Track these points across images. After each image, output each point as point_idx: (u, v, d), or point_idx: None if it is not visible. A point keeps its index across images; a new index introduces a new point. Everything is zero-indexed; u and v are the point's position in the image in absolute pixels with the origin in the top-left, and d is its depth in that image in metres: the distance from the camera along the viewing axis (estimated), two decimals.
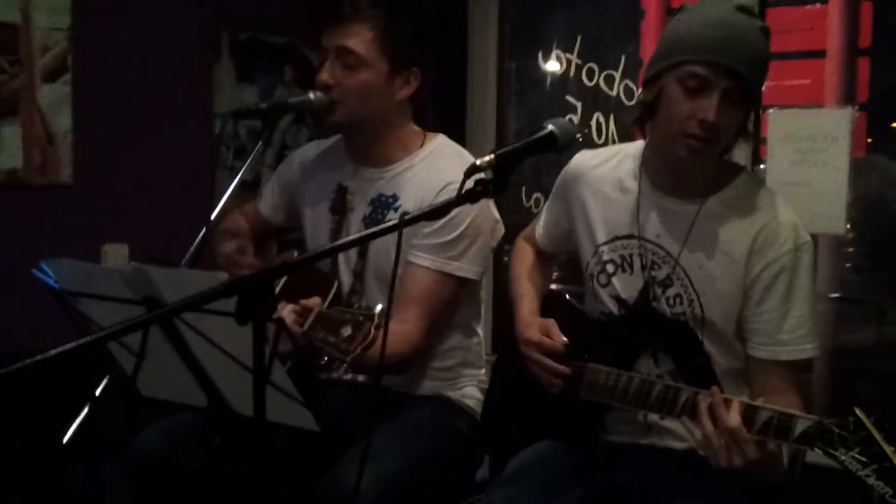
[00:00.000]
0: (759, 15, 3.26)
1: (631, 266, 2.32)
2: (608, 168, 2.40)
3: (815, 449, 1.90)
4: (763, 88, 2.15)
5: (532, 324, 2.38)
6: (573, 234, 2.46)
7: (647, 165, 2.32)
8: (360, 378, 2.70)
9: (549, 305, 2.52)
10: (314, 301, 2.14)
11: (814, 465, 2.21)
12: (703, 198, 2.23)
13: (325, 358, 2.04)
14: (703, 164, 2.19)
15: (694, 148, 2.12)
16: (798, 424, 1.90)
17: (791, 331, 2.17)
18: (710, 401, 2.00)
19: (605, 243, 2.36)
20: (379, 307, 1.98)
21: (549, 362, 2.30)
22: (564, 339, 2.30)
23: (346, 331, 1.98)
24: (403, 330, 2.52)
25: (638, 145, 2.36)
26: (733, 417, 1.94)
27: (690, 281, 2.23)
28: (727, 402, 1.99)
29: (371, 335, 1.95)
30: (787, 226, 2.18)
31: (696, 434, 2.02)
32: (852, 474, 1.82)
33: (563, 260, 2.71)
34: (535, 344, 2.33)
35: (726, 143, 2.19)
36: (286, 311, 2.17)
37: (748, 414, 1.95)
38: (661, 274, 2.27)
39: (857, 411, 1.83)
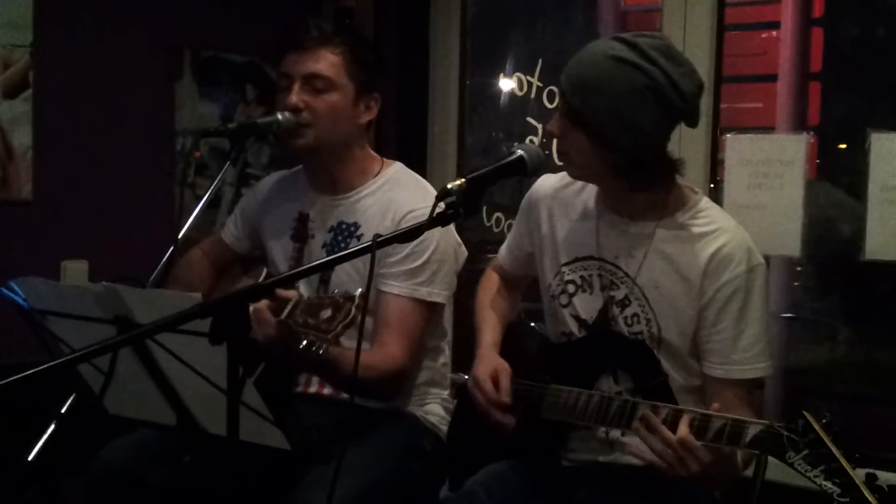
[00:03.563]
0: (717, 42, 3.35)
1: (591, 286, 2.36)
2: (572, 191, 2.44)
3: (767, 454, 1.96)
4: (598, 112, 2.14)
5: (486, 361, 2.42)
6: (536, 255, 2.51)
7: (601, 191, 2.37)
8: (327, 391, 2.72)
9: (513, 332, 2.57)
10: (291, 292, 2.16)
11: (775, 484, 2.25)
12: (659, 220, 2.28)
13: (305, 341, 2.05)
14: (646, 190, 2.25)
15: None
16: (749, 430, 1.95)
17: (744, 350, 2.22)
18: (660, 418, 2.05)
19: (566, 264, 2.40)
20: (359, 290, 2.00)
21: (490, 410, 2.34)
22: (509, 392, 2.33)
23: (326, 313, 2.00)
24: (384, 351, 2.55)
25: None
26: (681, 429, 1.99)
27: (647, 300, 2.28)
28: (677, 415, 2.03)
29: (352, 314, 1.97)
30: (741, 248, 2.22)
31: (651, 450, 2.06)
32: (802, 475, 1.86)
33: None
34: (481, 389, 2.37)
35: (579, 162, 2.24)
36: (262, 304, 2.18)
37: (702, 423, 2.00)
38: (619, 294, 2.32)
39: (806, 415, 1.88)
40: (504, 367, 2.38)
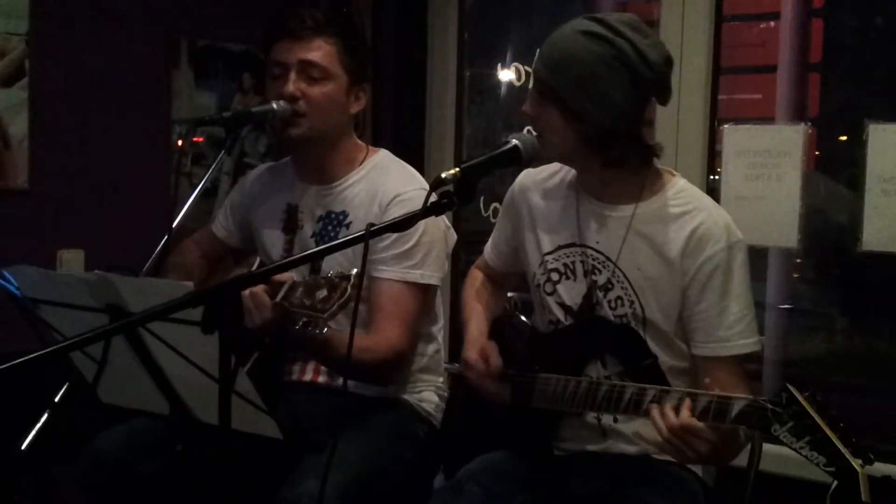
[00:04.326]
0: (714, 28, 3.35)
1: (574, 273, 2.38)
2: (553, 182, 2.47)
3: (753, 428, 1.95)
4: (566, 86, 2.17)
5: (474, 345, 2.42)
6: (521, 249, 2.52)
7: (578, 175, 2.39)
8: (321, 380, 2.72)
9: (500, 325, 2.57)
10: (285, 276, 2.16)
11: (769, 474, 2.25)
12: (637, 203, 2.29)
13: (302, 321, 2.05)
14: (620, 168, 2.26)
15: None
16: (734, 405, 1.95)
17: (730, 327, 2.22)
18: (658, 405, 2.04)
19: (549, 253, 2.42)
20: (354, 270, 2.00)
21: (485, 384, 2.35)
22: (499, 361, 2.34)
23: (322, 293, 2.01)
24: (380, 336, 2.55)
25: None
26: (683, 414, 1.99)
27: (630, 283, 2.29)
28: (663, 395, 2.04)
29: (348, 293, 1.97)
30: (720, 225, 2.24)
31: (655, 437, 2.06)
32: (788, 447, 1.86)
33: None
34: (470, 367, 2.37)
35: (555, 141, 2.24)
36: (258, 288, 2.18)
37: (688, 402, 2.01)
38: (601, 278, 2.33)
39: (790, 387, 1.88)
40: (492, 344, 2.39)
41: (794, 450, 1.85)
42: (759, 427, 1.92)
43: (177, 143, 3.78)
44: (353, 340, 1.93)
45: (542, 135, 2.26)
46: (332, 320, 2.02)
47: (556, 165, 2.46)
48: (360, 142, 2.81)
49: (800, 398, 1.85)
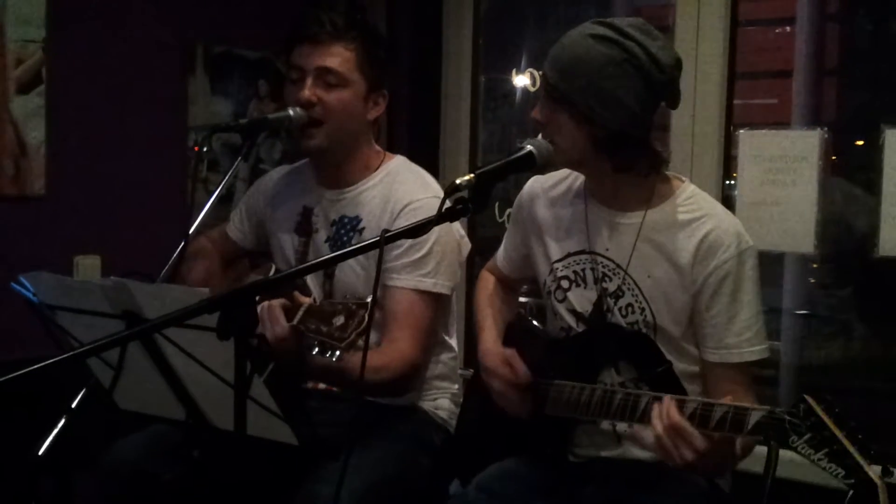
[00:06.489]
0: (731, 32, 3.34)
1: (584, 280, 2.37)
2: (560, 190, 2.46)
3: (771, 441, 1.94)
4: (578, 90, 2.16)
5: (493, 353, 2.41)
6: (531, 256, 2.52)
7: (588, 182, 2.38)
8: (335, 388, 2.72)
9: (513, 330, 2.57)
10: (302, 298, 2.16)
11: (787, 480, 2.24)
12: (647, 209, 2.28)
13: (317, 348, 2.05)
14: (629, 171, 2.25)
15: None
16: (752, 416, 1.94)
17: (739, 334, 2.22)
18: (657, 405, 2.03)
19: (559, 260, 2.41)
20: (370, 297, 2.00)
21: (510, 390, 2.33)
22: (525, 369, 2.32)
23: (339, 320, 2.00)
24: (395, 347, 2.54)
25: None
26: (672, 414, 1.98)
27: (640, 290, 2.28)
28: (678, 403, 2.02)
29: (366, 321, 1.96)
30: (730, 232, 2.23)
31: (649, 439, 2.05)
32: (806, 459, 1.85)
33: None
34: (496, 375, 2.36)
35: (565, 145, 2.22)
36: (276, 303, 2.17)
37: (704, 411, 1.99)
38: (612, 286, 2.32)
39: (807, 398, 1.86)
40: (512, 352, 2.37)
41: (813, 462, 1.83)
42: (777, 439, 1.90)
43: (192, 150, 3.78)
44: (365, 362, 1.91)
45: (552, 140, 2.24)
46: (349, 351, 2.00)
47: (563, 172, 2.44)
48: (378, 148, 2.81)
49: (817, 409, 1.84)
